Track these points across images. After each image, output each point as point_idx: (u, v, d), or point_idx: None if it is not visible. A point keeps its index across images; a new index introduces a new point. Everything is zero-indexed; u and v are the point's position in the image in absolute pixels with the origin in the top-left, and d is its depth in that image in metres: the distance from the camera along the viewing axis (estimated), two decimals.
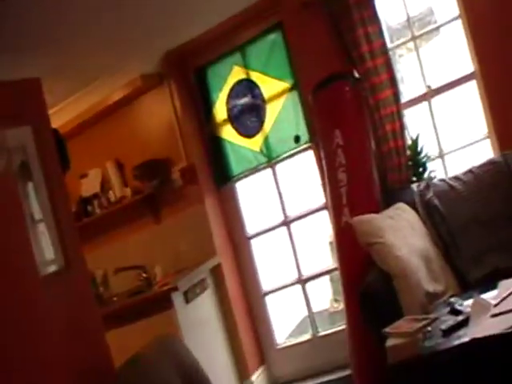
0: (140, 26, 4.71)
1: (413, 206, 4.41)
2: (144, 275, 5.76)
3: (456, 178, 4.44)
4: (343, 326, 5.04)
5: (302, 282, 5.84)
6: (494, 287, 3.42)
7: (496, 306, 3.15)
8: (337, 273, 5.03)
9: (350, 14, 4.85)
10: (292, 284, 5.95)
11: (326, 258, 6.67)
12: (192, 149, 5.86)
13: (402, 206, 4.42)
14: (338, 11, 4.93)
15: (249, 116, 5.79)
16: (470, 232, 4.11)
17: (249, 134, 5.80)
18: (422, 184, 4.54)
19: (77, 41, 4.48)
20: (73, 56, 4.72)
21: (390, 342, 3.19)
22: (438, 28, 5.46)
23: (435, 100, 5.09)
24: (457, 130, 5.83)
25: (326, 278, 6.46)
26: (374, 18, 4.87)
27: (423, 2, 6.06)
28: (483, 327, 2.99)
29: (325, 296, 7.02)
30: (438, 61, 6.11)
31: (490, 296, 3.31)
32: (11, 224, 2.93)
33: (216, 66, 5.87)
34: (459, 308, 3.37)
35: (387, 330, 3.29)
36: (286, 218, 5.87)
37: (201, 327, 5.32)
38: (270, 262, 6.59)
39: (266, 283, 6.05)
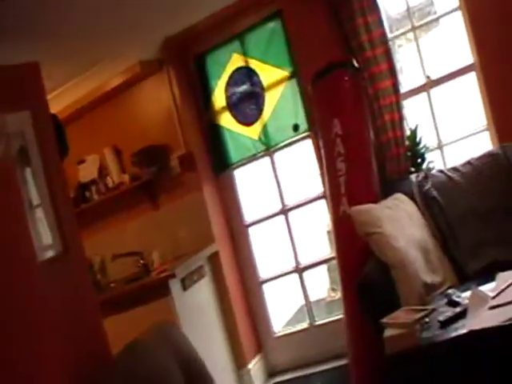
0: (140, 12, 4.68)
1: (411, 196, 4.40)
2: (141, 262, 5.76)
3: (454, 169, 4.43)
4: (340, 316, 5.05)
5: (300, 270, 5.85)
6: (492, 279, 3.41)
7: (494, 298, 3.15)
8: (334, 262, 5.03)
9: (349, 3, 4.84)
10: (289, 272, 5.96)
11: (324, 247, 6.70)
12: (190, 136, 5.85)
13: (400, 196, 4.42)
14: (338, 0, 4.92)
15: (247, 104, 5.78)
16: (468, 224, 4.11)
17: (247, 121, 5.79)
18: (421, 175, 4.54)
19: (76, 26, 4.45)
20: (72, 41, 4.69)
21: (387, 333, 3.19)
22: (437, 19, 5.46)
23: (434, 91, 5.09)
24: (456, 121, 5.82)
25: (324, 267, 6.49)
26: (374, 8, 4.85)
27: None
28: (481, 319, 3.00)
29: (322, 285, 7.04)
30: (437, 52, 6.10)
31: (488, 288, 3.31)
32: (9, 209, 2.92)
33: (215, 53, 5.86)
34: (457, 300, 3.37)
35: (385, 320, 3.29)
36: (283, 207, 5.87)
37: (198, 315, 5.33)
38: (268, 250, 6.60)
39: (263, 271, 6.06)
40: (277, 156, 5.86)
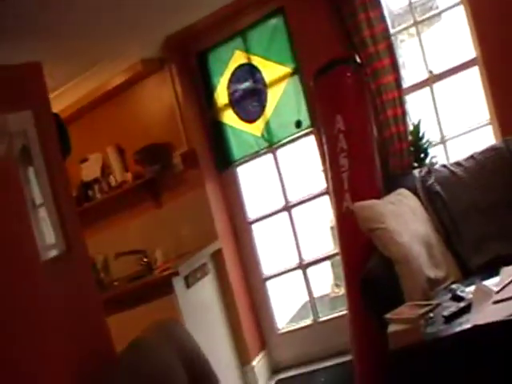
0: (140, 11, 4.67)
1: (414, 191, 4.40)
2: (145, 260, 5.75)
3: (458, 163, 4.42)
4: (344, 312, 5.06)
5: (303, 266, 5.85)
6: (495, 274, 3.40)
7: (498, 292, 3.14)
8: (338, 258, 5.04)
9: None
10: (293, 269, 5.96)
11: (327, 243, 6.68)
12: (193, 133, 5.84)
13: (403, 191, 4.41)
14: None
15: (250, 101, 5.77)
16: (472, 218, 4.10)
17: (250, 118, 5.78)
18: (424, 170, 4.53)
19: (77, 26, 4.45)
20: (73, 41, 4.68)
21: (391, 328, 3.19)
22: (439, 13, 5.45)
23: (437, 85, 5.08)
24: (458, 116, 5.81)
25: (327, 263, 6.47)
26: (376, 3, 4.84)
27: None
28: (485, 314, 2.99)
29: (326, 281, 7.03)
30: (439, 46, 6.09)
31: (491, 283, 3.30)
32: (12, 209, 2.92)
33: (217, 50, 5.85)
34: (461, 294, 3.37)
35: (389, 315, 3.29)
36: (287, 203, 5.87)
37: (201, 312, 5.32)
38: (271, 247, 6.59)
39: (266, 268, 6.06)
40: (280, 152, 5.85)
